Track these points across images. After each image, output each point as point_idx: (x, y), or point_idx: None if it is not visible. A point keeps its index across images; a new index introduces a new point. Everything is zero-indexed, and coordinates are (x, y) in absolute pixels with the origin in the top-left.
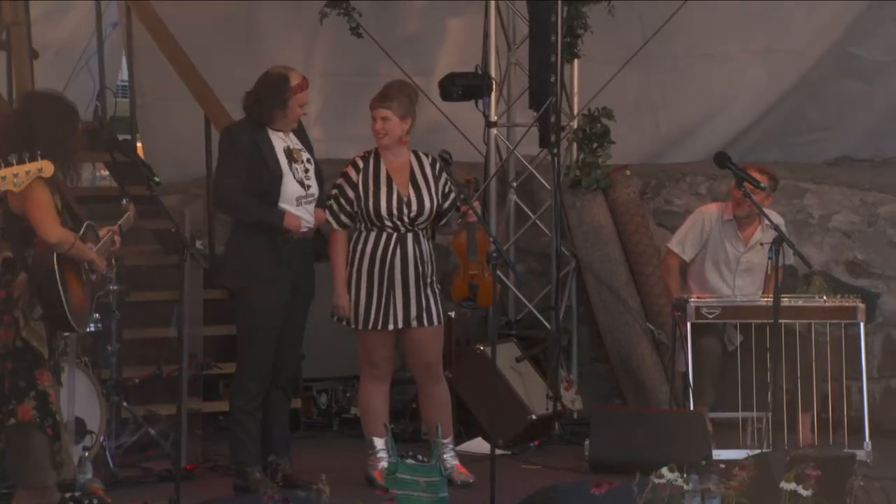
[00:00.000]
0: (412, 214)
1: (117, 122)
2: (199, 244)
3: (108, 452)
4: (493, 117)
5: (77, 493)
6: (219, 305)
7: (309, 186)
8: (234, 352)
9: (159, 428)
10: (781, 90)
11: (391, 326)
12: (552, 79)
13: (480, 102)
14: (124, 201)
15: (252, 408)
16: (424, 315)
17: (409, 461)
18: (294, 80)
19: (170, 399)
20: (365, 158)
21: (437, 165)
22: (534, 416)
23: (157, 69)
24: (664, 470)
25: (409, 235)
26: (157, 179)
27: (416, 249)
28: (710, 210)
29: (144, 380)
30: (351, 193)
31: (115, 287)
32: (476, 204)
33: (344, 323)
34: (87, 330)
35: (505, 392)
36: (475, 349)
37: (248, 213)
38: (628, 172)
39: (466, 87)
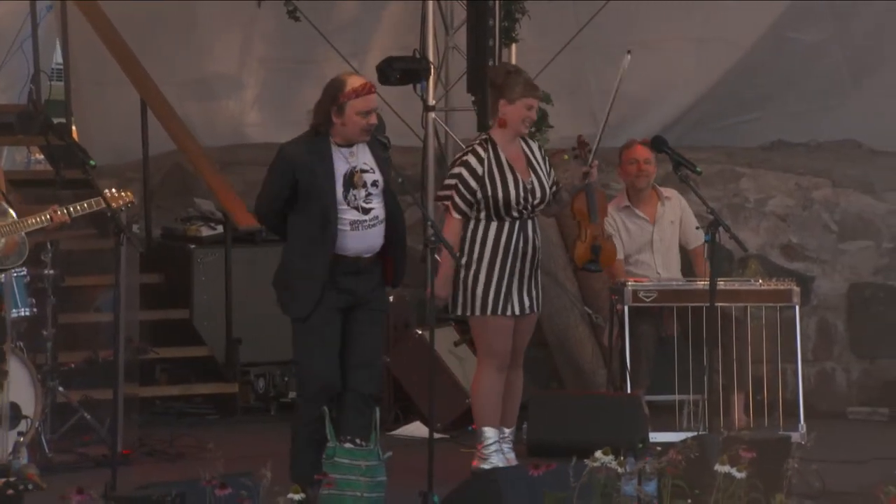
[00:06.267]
0: (535, 202)
1: (52, 105)
2: (135, 228)
3: (43, 438)
4: (432, 101)
5: (12, 479)
6: (154, 290)
7: (371, 209)
8: (169, 336)
9: (95, 413)
10: (716, 77)
11: (509, 312)
12: (490, 63)
13: (418, 86)
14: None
15: (309, 430)
16: (535, 303)
17: (348, 445)
18: (350, 84)
19: (106, 384)
20: (484, 147)
21: (543, 149)
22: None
23: (93, 53)
24: (598, 453)
25: (529, 222)
26: (92, 163)
27: (535, 236)
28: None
29: (80, 365)
30: (474, 184)
31: (50, 271)
32: (595, 163)
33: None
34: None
35: (443, 376)
36: (413, 333)
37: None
38: (566, 157)
39: (404, 70)
